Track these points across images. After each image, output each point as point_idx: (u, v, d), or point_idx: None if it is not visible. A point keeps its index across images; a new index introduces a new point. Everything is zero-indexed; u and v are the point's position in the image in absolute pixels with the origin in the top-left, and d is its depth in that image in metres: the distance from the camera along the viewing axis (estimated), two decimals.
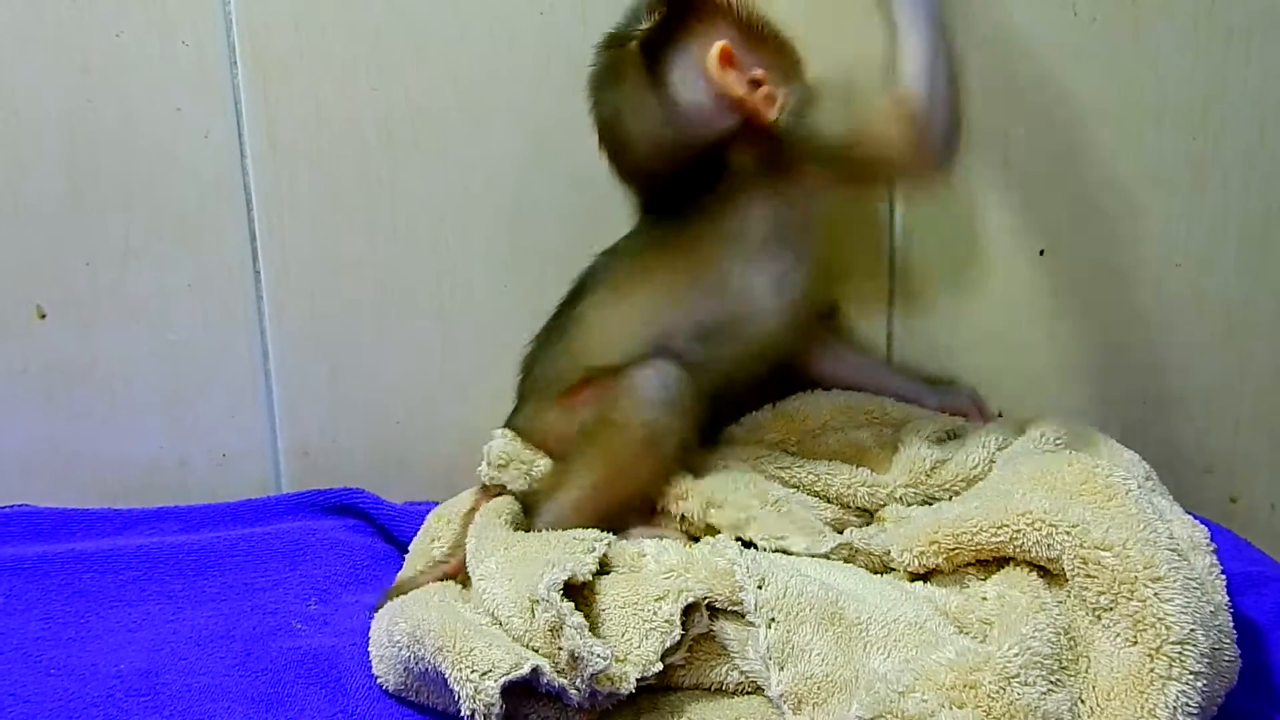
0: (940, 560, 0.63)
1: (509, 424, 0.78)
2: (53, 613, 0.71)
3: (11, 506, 0.83)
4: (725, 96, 0.70)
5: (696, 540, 0.69)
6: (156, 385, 0.87)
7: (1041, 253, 0.85)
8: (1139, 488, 0.61)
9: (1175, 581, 0.55)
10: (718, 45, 0.70)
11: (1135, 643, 0.54)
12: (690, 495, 0.71)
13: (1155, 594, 0.55)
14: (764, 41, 0.73)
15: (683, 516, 0.71)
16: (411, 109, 0.82)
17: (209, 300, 0.85)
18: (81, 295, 0.85)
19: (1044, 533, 0.59)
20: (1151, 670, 0.53)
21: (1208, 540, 0.64)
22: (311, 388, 0.87)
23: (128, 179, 0.83)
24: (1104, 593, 0.56)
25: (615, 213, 0.80)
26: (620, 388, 0.71)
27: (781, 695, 0.57)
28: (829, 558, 0.67)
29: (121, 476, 0.88)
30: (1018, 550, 0.60)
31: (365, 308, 0.86)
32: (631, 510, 0.71)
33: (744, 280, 0.73)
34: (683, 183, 0.73)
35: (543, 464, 0.74)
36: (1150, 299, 0.86)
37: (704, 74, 0.70)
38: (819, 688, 0.56)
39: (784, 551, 0.67)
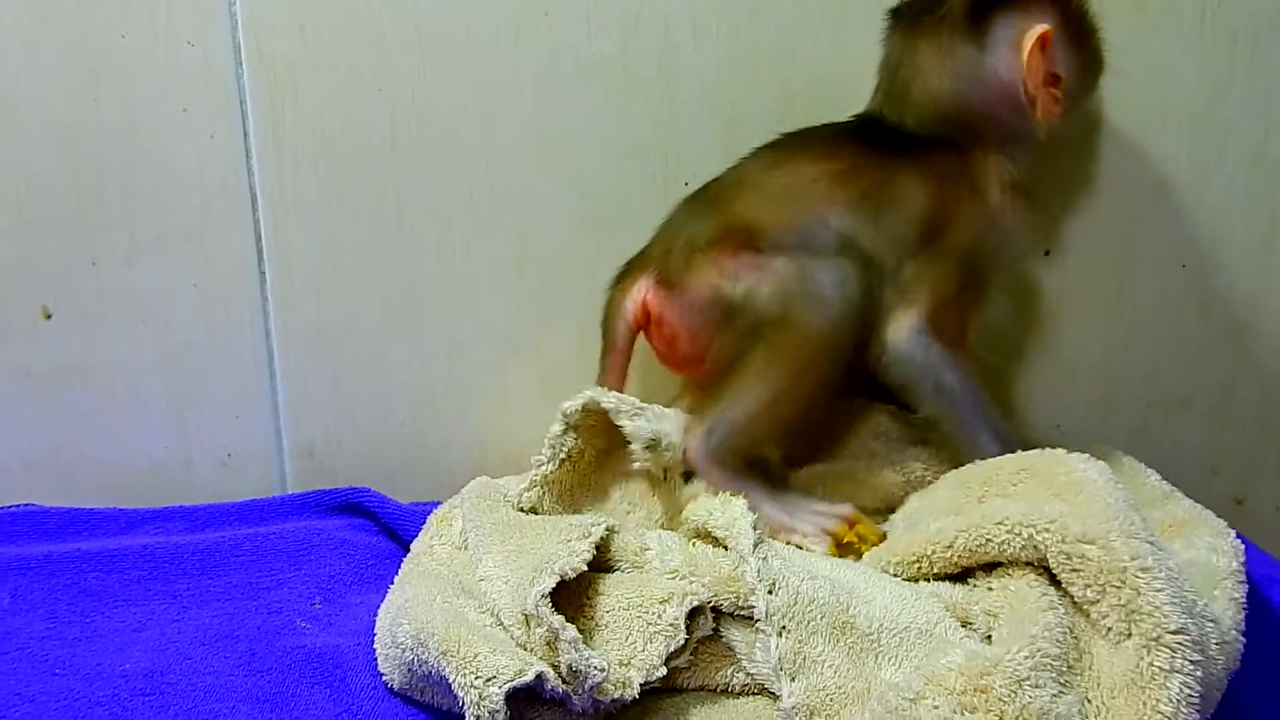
0: (931, 573, 0.63)
1: (616, 285, 0.73)
2: (58, 612, 0.71)
3: (17, 506, 0.83)
4: (1023, 81, 0.69)
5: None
6: (161, 386, 0.87)
7: (1047, 253, 0.85)
8: (1099, 476, 0.61)
9: (1161, 573, 0.55)
10: (1040, 29, 0.69)
11: (1129, 635, 0.54)
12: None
13: (1146, 584, 0.54)
14: (1081, 45, 0.72)
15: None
16: (416, 110, 0.82)
17: (214, 301, 0.85)
18: (86, 296, 0.85)
19: (1025, 535, 0.59)
20: (1151, 665, 0.53)
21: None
22: (316, 389, 0.87)
23: (133, 180, 0.83)
24: (1090, 585, 0.56)
25: (621, 215, 0.80)
26: (795, 283, 0.65)
27: (794, 707, 0.56)
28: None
29: (126, 477, 0.88)
30: (1007, 559, 0.60)
31: (370, 309, 0.86)
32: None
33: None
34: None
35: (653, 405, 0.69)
36: (1156, 300, 0.86)
37: (1017, 49, 0.69)
38: (831, 699, 0.56)
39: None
